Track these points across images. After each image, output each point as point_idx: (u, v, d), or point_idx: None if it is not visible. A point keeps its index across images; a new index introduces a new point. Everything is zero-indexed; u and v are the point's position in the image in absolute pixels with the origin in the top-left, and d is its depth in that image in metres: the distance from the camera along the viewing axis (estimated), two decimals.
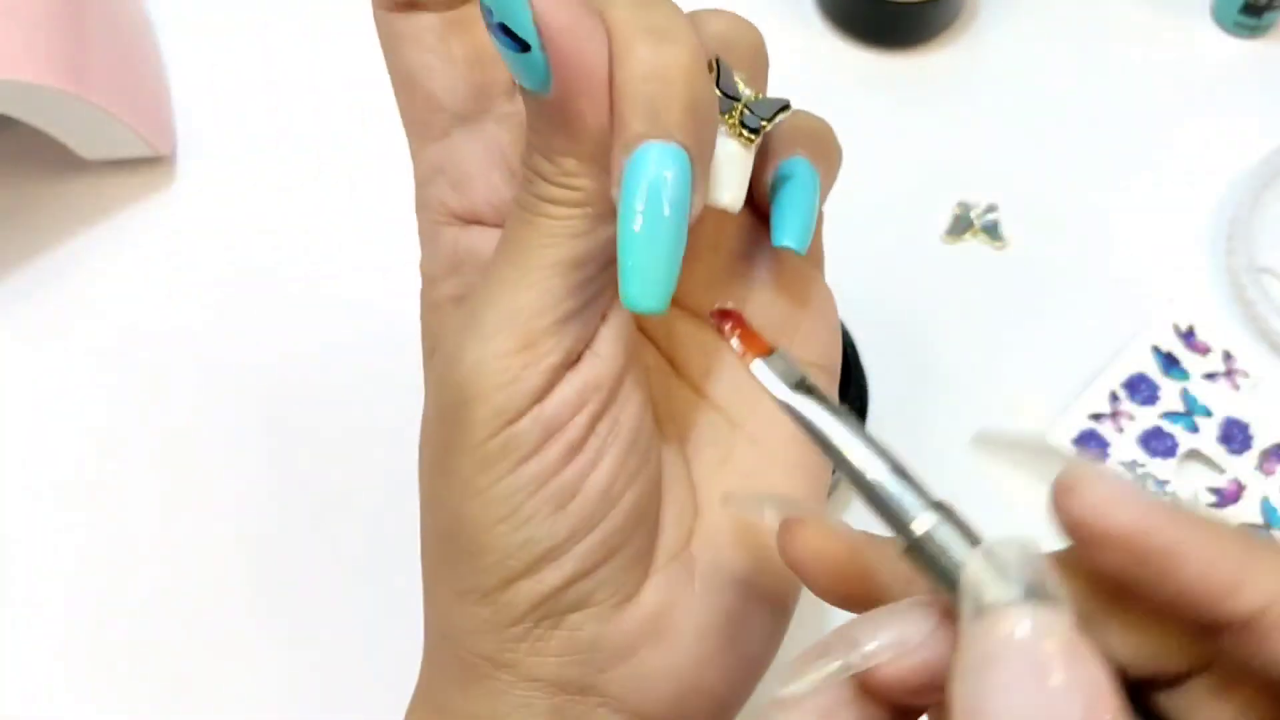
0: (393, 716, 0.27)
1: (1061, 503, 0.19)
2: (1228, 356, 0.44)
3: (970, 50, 0.51)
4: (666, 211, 0.22)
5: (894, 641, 0.20)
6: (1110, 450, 0.42)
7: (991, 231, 0.47)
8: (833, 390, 0.29)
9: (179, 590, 0.42)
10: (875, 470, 0.20)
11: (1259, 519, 0.42)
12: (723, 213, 0.26)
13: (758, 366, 0.22)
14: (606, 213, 0.23)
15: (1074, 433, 0.42)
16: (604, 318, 0.25)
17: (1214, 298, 0.46)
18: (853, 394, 0.40)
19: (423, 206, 0.28)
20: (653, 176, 0.22)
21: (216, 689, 0.41)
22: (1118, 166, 0.49)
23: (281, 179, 0.49)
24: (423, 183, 0.28)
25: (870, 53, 0.51)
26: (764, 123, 0.24)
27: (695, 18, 0.25)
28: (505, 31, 0.22)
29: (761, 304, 0.28)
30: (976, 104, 0.50)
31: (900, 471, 0.20)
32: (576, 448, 0.24)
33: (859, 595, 0.23)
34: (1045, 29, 0.51)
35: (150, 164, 0.49)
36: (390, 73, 0.27)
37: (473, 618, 0.26)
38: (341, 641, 0.42)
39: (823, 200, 0.27)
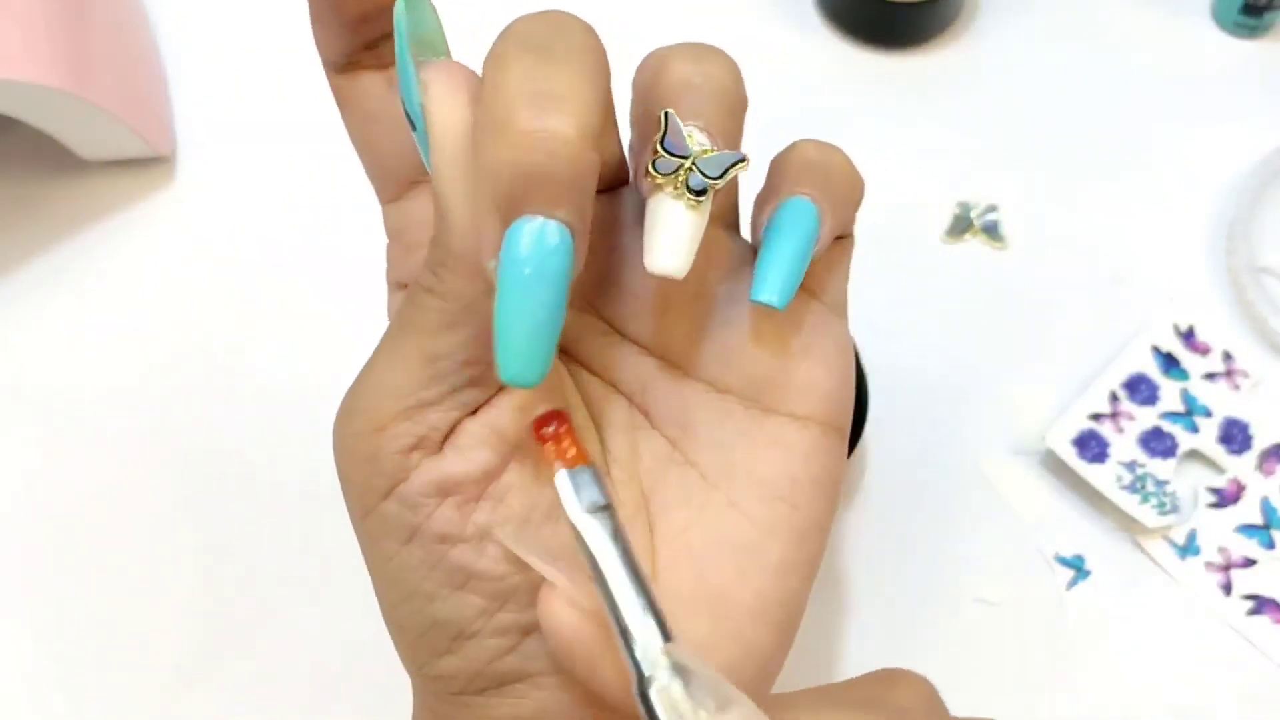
0: None
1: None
2: (1228, 356, 0.44)
3: (970, 50, 0.51)
4: (540, 286, 0.21)
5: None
6: (1110, 450, 0.42)
7: (991, 231, 0.47)
8: (840, 450, 0.26)
9: (171, 581, 0.43)
10: (637, 626, 0.22)
11: (1259, 519, 0.42)
12: (709, 256, 0.25)
13: (560, 478, 0.22)
14: (464, 312, 0.22)
15: (1074, 433, 0.42)
16: (475, 413, 0.24)
17: (1214, 298, 0.46)
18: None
19: (388, 267, 0.28)
20: (527, 251, 0.20)
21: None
22: (1117, 166, 0.49)
23: (281, 179, 0.49)
24: (389, 243, 0.27)
25: (870, 53, 0.51)
26: (711, 182, 0.23)
27: (661, 63, 0.24)
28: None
29: (749, 356, 0.26)
30: (976, 104, 0.50)
31: (659, 623, 0.22)
32: (453, 538, 0.23)
33: (584, 674, 0.23)
34: (1045, 29, 0.51)
35: (150, 164, 0.49)
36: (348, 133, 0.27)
37: (422, 690, 0.26)
38: (331, 635, 0.42)
39: (827, 240, 0.25)
